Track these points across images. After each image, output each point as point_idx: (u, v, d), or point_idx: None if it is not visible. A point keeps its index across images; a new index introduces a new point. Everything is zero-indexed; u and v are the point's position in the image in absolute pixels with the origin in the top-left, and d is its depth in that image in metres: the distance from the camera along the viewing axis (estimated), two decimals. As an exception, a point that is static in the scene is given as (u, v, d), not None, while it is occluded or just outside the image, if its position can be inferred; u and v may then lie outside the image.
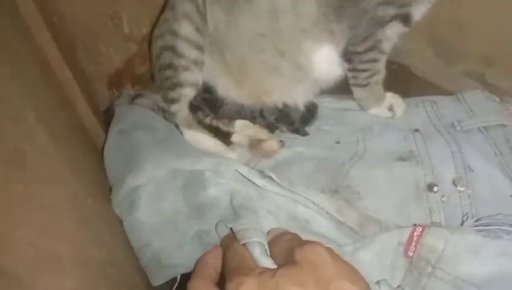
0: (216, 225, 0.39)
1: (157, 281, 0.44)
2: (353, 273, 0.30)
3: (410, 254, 0.36)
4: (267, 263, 0.32)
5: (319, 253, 0.30)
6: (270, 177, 0.39)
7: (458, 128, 0.48)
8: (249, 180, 0.40)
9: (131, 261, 0.42)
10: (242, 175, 0.40)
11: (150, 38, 0.60)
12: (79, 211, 0.36)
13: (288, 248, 0.32)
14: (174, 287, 0.45)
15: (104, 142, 0.49)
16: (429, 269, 0.35)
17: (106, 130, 0.58)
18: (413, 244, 0.36)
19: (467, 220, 0.39)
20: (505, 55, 0.51)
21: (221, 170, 0.41)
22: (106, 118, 0.55)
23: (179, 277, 0.45)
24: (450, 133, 0.47)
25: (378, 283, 0.33)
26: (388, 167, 0.45)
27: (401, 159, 0.45)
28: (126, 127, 0.49)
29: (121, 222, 0.43)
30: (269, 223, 0.39)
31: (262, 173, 0.40)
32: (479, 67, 0.54)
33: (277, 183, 0.39)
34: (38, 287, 0.24)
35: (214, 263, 0.35)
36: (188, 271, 0.43)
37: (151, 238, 0.42)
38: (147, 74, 0.63)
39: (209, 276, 0.34)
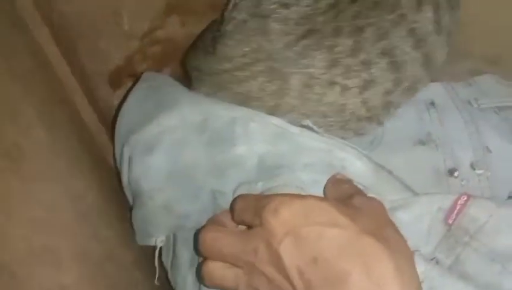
0: (237, 188, 0.38)
1: (159, 232, 0.42)
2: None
3: (450, 221, 0.35)
4: None
5: (377, 203, 0.30)
6: (304, 127, 0.39)
7: (475, 105, 0.47)
8: (282, 132, 0.39)
9: (131, 257, 0.41)
10: (276, 125, 0.39)
11: (150, 35, 0.60)
12: (78, 207, 0.36)
13: (346, 194, 0.31)
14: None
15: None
16: (466, 238, 0.35)
17: (107, 127, 0.58)
18: (455, 212, 0.35)
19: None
20: (509, 54, 0.50)
21: (255, 119, 0.39)
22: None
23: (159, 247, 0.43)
24: (467, 110, 0.46)
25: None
26: (408, 152, 0.44)
27: (421, 142, 0.44)
28: (155, 83, 0.48)
29: (118, 216, 0.42)
30: (307, 176, 0.37)
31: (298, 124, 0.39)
32: (483, 66, 0.53)
33: (313, 130, 0.39)
34: (33, 282, 0.24)
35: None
36: (194, 226, 0.40)
37: (166, 184, 0.40)
38: (148, 70, 0.63)
39: (222, 222, 0.33)
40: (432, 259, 0.35)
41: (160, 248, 0.44)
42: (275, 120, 0.39)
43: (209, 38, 0.47)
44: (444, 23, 0.43)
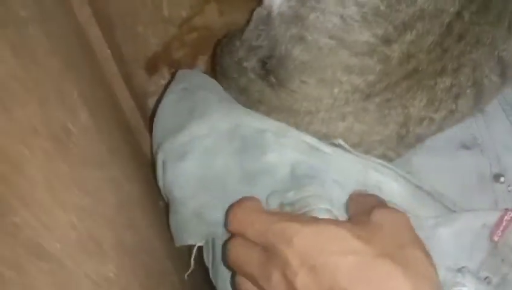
0: (268, 196, 0.38)
1: (193, 239, 0.41)
2: (426, 249, 0.28)
3: (496, 238, 0.34)
4: None
5: (400, 217, 0.28)
6: (338, 146, 0.38)
7: None
8: (315, 148, 0.39)
9: (164, 249, 0.41)
10: (308, 144, 0.39)
11: (188, 22, 0.59)
12: (117, 196, 0.35)
13: (367, 208, 0.30)
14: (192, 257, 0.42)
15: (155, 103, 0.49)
16: None
17: (142, 113, 0.58)
18: (501, 229, 0.34)
19: None
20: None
21: (287, 135, 0.39)
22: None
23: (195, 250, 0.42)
24: None
25: (461, 270, 0.32)
26: (451, 156, 0.42)
27: (465, 146, 0.43)
28: (190, 86, 0.48)
29: (154, 208, 0.42)
30: (337, 193, 0.37)
31: (330, 142, 0.39)
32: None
33: (347, 149, 0.38)
34: (80, 272, 0.23)
35: None
36: (225, 235, 0.39)
37: (198, 190, 0.40)
38: (185, 58, 0.62)
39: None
40: (485, 278, 0.33)
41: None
42: (308, 138, 0.39)
43: (254, 60, 0.44)
44: None
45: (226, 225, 0.35)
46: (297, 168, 0.38)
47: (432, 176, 0.41)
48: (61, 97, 0.32)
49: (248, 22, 0.51)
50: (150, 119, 0.54)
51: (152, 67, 0.62)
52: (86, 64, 0.45)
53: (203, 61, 0.64)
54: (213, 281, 0.42)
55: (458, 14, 0.37)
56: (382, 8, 0.37)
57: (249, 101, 0.43)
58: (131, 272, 0.31)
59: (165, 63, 0.62)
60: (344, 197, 0.36)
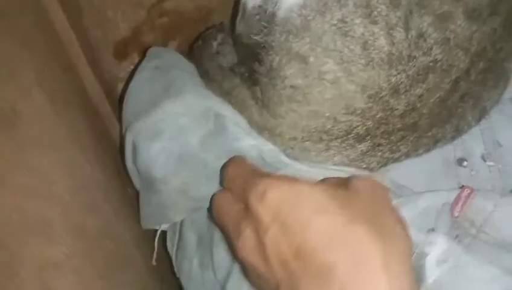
0: None
1: (177, 216, 0.41)
2: (402, 219, 0.27)
3: (456, 213, 0.35)
4: None
5: (378, 187, 0.28)
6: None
7: None
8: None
9: (129, 234, 0.40)
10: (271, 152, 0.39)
11: (158, 6, 0.58)
12: (75, 178, 0.34)
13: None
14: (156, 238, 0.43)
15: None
16: (473, 230, 0.35)
17: (111, 99, 0.56)
18: (460, 204, 0.35)
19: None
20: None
21: (255, 136, 0.39)
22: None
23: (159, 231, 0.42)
24: None
25: (430, 231, 0.33)
26: None
27: None
28: (163, 64, 0.46)
29: (121, 193, 0.41)
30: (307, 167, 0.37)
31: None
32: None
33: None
34: (25, 255, 0.23)
35: None
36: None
37: (179, 167, 0.39)
38: (155, 43, 0.61)
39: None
40: (455, 237, 0.34)
41: (163, 233, 0.43)
42: (267, 146, 0.38)
43: (246, 71, 0.41)
44: None
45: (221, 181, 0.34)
46: (264, 156, 0.38)
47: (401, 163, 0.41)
48: (13, 77, 0.31)
49: (234, 10, 0.48)
50: (119, 105, 0.53)
51: (121, 52, 0.61)
52: (46, 47, 0.43)
53: (173, 46, 0.63)
54: (176, 268, 0.42)
55: (467, 72, 0.36)
56: (403, 52, 0.34)
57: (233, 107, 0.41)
58: (88, 256, 0.31)
59: (135, 48, 0.61)
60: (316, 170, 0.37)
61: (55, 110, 0.35)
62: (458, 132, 0.40)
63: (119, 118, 0.48)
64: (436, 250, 0.32)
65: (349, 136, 0.37)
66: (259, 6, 0.38)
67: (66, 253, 0.27)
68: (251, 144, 0.39)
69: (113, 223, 0.39)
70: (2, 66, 0.30)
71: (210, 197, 0.38)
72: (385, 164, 0.39)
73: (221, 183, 0.34)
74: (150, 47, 0.61)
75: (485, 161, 0.41)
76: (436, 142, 0.39)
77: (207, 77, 0.44)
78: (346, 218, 0.25)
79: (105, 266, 0.33)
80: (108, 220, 0.38)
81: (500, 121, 0.43)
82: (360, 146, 0.37)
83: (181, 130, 0.40)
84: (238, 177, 0.30)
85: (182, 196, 0.40)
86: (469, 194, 0.36)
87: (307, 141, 0.38)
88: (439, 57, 0.35)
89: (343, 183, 0.28)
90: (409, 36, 0.34)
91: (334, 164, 0.39)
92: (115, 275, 0.35)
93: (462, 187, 0.36)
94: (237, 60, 0.44)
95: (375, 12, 0.34)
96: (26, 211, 0.24)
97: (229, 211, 0.29)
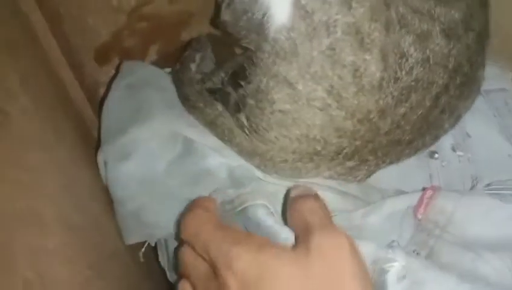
0: (210, 195, 0.39)
1: (130, 239, 0.43)
2: (366, 277, 0.28)
3: (419, 216, 0.36)
4: (270, 223, 0.32)
5: (340, 247, 0.27)
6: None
7: None
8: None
9: (113, 227, 0.42)
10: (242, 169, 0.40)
11: (138, 11, 0.59)
12: (62, 176, 0.36)
13: (306, 224, 0.29)
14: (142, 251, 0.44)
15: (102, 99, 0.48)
16: (437, 231, 0.36)
17: (93, 102, 0.58)
18: (423, 206, 0.36)
19: (476, 184, 0.40)
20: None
21: (223, 152, 0.40)
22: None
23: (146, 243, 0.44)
24: None
25: (390, 245, 0.34)
26: None
27: None
28: (134, 82, 0.47)
29: (103, 188, 0.42)
30: (272, 189, 0.38)
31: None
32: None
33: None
34: (15, 244, 0.24)
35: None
36: (166, 235, 0.42)
37: (137, 192, 0.41)
38: (135, 47, 0.63)
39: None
40: (413, 251, 0.36)
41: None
42: (239, 163, 0.39)
43: (229, 91, 0.41)
44: None
45: (177, 231, 0.35)
46: (234, 172, 0.40)
47: None
48: (0, 81, 0.33)
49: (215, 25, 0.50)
50: (100, 108, 0.54)
51: (102, 57, 0.62)
52: (29, 53, 0.45)
53: (154, 50, 0.64)
54: (171, 280, 0.44)
55: (446, 87, 0.37)
56: (385, 75, 0.34)
57: (219, 137, 0.41)
58: (78, 248, 0.32)
59: (116, 52, 0.62)
60: (279, 192, 0.38)
61: (41, 112, 0.37)
62: (436, 139, 0.41)
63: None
64: (396, 266, 0.32)
65: (339, 155, 0.37)
66: (248, 2, 0.37)
67: (57, 243, 0.28)
68: (220, 162, 0.40)
69: (100, 219, 0.41)
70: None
71: (162, 224, 0.40)
72: (370, 175, 0.40)
73: (180, 233, 0.33)
74: (130, 51, 0.63)
75: (454, 151, 0.43)
76: (416, 151, 0.40)
77: (188, 103, 0.44)
78: (310, 284, 0.26)
79: (94, 257, 0.35)
80: (94, 216, 0.40)
81: (468, 113, 0.44)
82: (348, 163, 0.38)
83: (148, 154, 0.41)
84: (201, 234, 0.31)
85: (136, 220, 0.41)
86: (431, 195, 0.37)
87: (298, 161, 0.38)
88: (420, 76, 0.35)
89: (306, 237, 0.28)
90: (397, 58, 0.34)
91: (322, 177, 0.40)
92: (103, 266, 0.36)
93: (424, 189, 0.38)
94: (220, 73, 0.44)
95: (368, 40, 0.34)
96: (17, 203, 0.26)
97: (196, 269, 0.31)
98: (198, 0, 0.63)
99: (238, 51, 0.50)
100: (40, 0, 0.51)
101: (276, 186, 0.39)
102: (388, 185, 0.41)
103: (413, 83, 0.35)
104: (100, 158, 0.43)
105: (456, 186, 0.42)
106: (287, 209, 0.32)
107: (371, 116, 0.35)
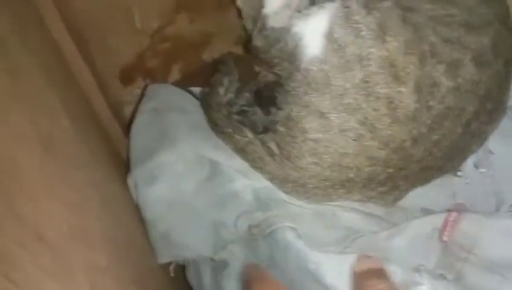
0: (237, 219, 0.39)
1: (162, 259, 0.43)
2: None
3: (445, 239, 0.36)
4: (299, 246, 0.33)
5: None
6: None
7: None
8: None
9: (147, 244, 0.43)
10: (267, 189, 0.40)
11: (160, 33, 0.61)
12: (101, 194, 0.37)
13: None
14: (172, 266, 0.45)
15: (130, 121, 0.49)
16: (464, 254, 0.36)
17: (119, 121, 0.59)
18: (448, 229, 0.36)
19: (501, 204, 0.40)
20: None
21: (248, 174, 0.40)
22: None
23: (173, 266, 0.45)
24: None
25: (417, 269, 0.34)
26: None
27: None
28: (159, 106, 0.48)
29: (136, 206, 0.44)
30: (298, 211, 0.38)
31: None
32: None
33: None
34: (75, 261, 0.25)
35: None
36: (193, 256, 0.43)
37: (166, 214, 0.42)
38: (158, 67, 0.64)
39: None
40: (440, 274, 0.36)
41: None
42: (264, 185, 0.40)
43: (259, 120, 0.41)
44: None
45: None
46: (259, 194, 0.40)
47: None
48: (46, 107, 0.34)
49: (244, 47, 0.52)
50: (127, 127, 0.56)
51: (126, 77, 0.64)
52: (63, 77, 0.47)
53: (176, 70, 0.66)
54: None
55: (476, 114, 0.37)
56: (419, 105, 0.35)
57: (250, 164, 0.41)
58: (122, 265, 0.33)
59: (140, 73, 0.64)
60: (305, 214, 0.38)
61: (77, 133, 0.38)
62: (464, 161, 0.41)
63: (127, 139, 0.51)
64: None
65: (371, 182, 0.37)
66: (281, 31, 0.38)
67: (106, 259, 0.29)
68: (245, 184, 0.40)
69: (135, 235, 0.42)
70: (34, 95, 0.33)
71: (191, 246, 0.41)
72: (400, 199, 0.40)
73: None
74: (153, 71, 0.64)
75: (477, 168, 0.43)
76: (444, 173, 0.41)
77: (217, 129, 0.44)
78: None
79: (136, 273, 0.36)
80: (131, 232, 0.41)
81: None
82: (380, 188, 0.38)
83: (175, 177, 0.42)
84: None
85: (165, 242, 0.42)
86: (456, 218, 0.37)
87: (330, 188, 0.38)
88: (451, 104, 0.35)
89: None
90: (429, 87, 0.35)
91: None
92: (144, 282, 0.37)
93: (449, 211, 0.38)
94: (244, 93, 0.44)
95: (402, 73, 0.34)
96: (73, 222, 0.27)
97: None
98: (218, 20, 0.65)
99: (258, 68, 0.51)
100: (68, 25, 0.54)
101: (302, 208, 0.40)
102: (412, 204, 0.41)
103: (445, 111, 0.35)
104: (130, 182, 0.44)
105: (480, 203, 0.42)
106: (353, 282, 0.33)
107: (405, 145, 0.35)
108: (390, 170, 0.37)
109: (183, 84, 0.59)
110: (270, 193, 0.40)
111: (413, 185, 0.39)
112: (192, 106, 0.48)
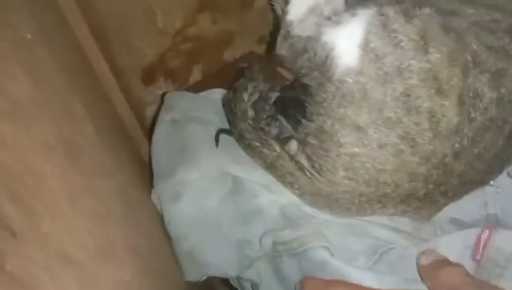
0: (261, 237, 0.38)
1: (189, 277, 0.43)
2: None
3: (478, 257, 0.35)
4: (336, 264, 0.32)
5: None
6: None
7: None
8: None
9: (170, 252, 0.42)
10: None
11: (182, 33, 0.61)
12: (124, 201, 0.37)
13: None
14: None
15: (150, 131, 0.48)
16: (498, 270, 0.35)
17: (140, 122, 0.59)
18: (481, 247, 0.35)
19: None
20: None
21: (272, 188, 0.39)
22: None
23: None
24: None
25: None
26: None
27: None
28: (178, 117, 0.47)
29: (160, 216, 0.43)
30: (330, 231, 0.37)
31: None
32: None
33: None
34: (101, 278, 0.25)
35: None
36: (219, 275, 0.42)
37: (191, 231, 0.41)
38: (180, 68, 0.64)
39: None
40: None
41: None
42: (289, 199, 0.39)
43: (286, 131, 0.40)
44: None
45: None
46: (285, 209, 0.39)
47: None
48: (69, 113, 0.34)
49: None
50: (149, 129, 0.55)
51: (148, 77, 0.64)
52: (86, 79, 0.46)
53: (198, 70, 0.66)
54: None
55: None
56: (461, 118, 0.33)
57: (279, 180, 0.39)
58: (145, 275, 0.33)
59: (161, 73, 0.64)
60: (332, 225, 0.37)
61: (101, 139, 0.38)
62: (502, 172, 0.40)
63: (148, 140, 0.51)
64: None
65: (410, 198, 0.36)
66: (308, 40, 0.36)
67: (129, 273, 0.29)
68: (270, 199, 0.39)
69: (158, 242, 0.42)
70: (59, 103, 0.33)
71: (215, 264, 0.40)
72: (435, 214, 0.39)
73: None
74: (175, 71, 0.64)
75: (510, 177, 0.41)
76: (482, 184, 0.39)
77: (243, 141, 0.42)
78: None
79: (158, 283, 0.36)
80: (154, 241, 0.41)
81: None
82: (417, 203, 0.37)
83: (198, 194, 0.41)
84: None
85: (189, 260, 0.41)
86: (488, 236, 0.35)
87: (366, 203, 0.37)
88: (494, 115, 0.34)
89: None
90: (471, 99, 0.33)
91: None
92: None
93: (483, 229, 0.36)
94: (276, 106, 0.42)
95: (446, 86, 0.33)
96: (97, 236, 0.26)
97: None
98: (239, 20, 0.64)
99: (284, 75, 0.49)
100: (91, 26, 0.53)
101: (329, 221, 0.39)
102: (443, 214, 0.40)
103: (487, 123, 0.34)
104: (154, 197, 0.43)
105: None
106: (423, 276, 0.32)
107: (446, 160, 0.34)
108: (430, 186, 0.35)
109: (204, 84, 0.58)
110: (295, 208, 0.39)
111: (451, 200, 0.38)
112: (211, 114, 0.47)
